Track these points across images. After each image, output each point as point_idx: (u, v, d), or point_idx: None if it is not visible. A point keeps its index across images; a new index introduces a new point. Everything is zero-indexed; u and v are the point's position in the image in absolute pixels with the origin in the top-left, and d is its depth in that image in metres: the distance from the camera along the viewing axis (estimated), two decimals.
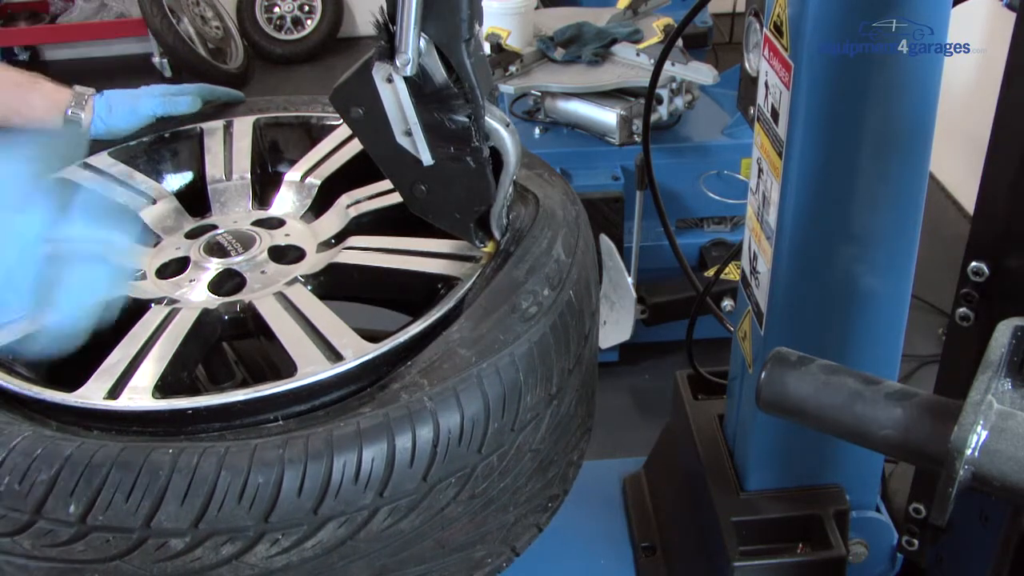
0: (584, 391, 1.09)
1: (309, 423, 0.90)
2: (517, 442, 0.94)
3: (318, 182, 1.33)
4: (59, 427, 0.91)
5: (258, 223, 1.26)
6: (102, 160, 1.33)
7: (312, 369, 0.95)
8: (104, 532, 0.81)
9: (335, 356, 0.97)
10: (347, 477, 0.83)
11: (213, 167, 1.36)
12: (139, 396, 0.94)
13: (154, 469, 0.81)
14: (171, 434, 0.91)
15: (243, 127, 1.41)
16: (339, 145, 1.37)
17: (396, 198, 1.15)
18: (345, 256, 1.14)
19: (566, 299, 1.02)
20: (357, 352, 0.97)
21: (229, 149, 1.38)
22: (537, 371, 0.96)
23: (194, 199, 1.34)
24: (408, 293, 1.14)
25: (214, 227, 1.25)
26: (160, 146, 1.39)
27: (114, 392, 0.94)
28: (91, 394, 0.94)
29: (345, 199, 1.27)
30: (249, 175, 1.35)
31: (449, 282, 1.08)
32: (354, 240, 1.18)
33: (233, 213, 1.33)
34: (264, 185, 1.36)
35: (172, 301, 1.10)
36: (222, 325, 1.09)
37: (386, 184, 1.19)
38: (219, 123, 1.41)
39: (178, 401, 0.93)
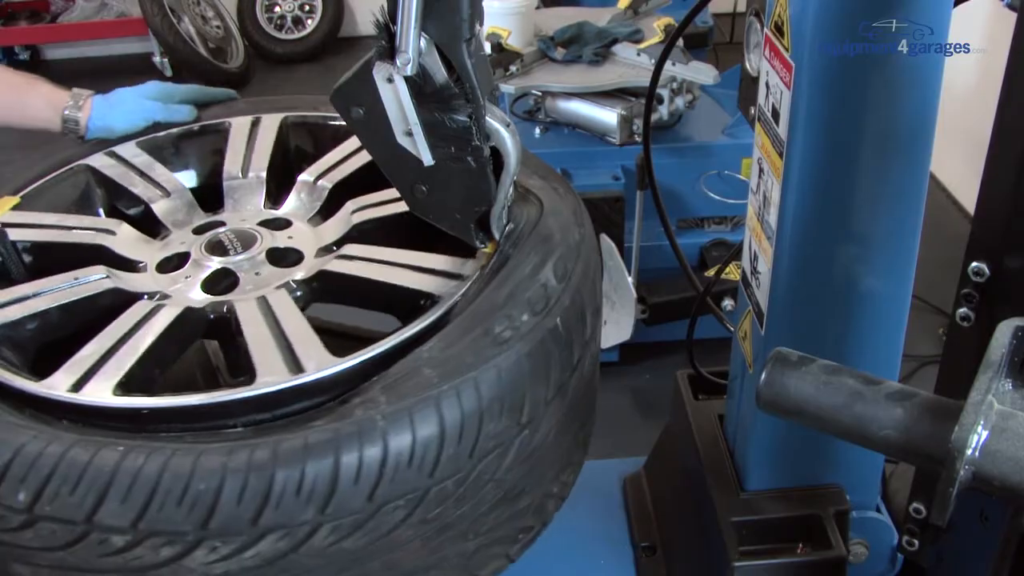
0: (568, 422, 1.04)
1: (265, 432, 0.88)
2: (477, 470, 0.91)
3: (329, 185, 1.30)
4: (31, 415, 0.90)
5: (264, 223, 1.24)
6: (128, 149, 1.33)
7: (269, 379, 0.93)
8: (50, 522, 0.81)
9: (296, 367, 0.95)
10: (288, 490, 0.82)
11: (231, 163, 1.34)
12: (100, 391, 0.93)
13: (100, 465, 0.81)
14: (132, 432, 0.89)
15: (270, 125, 1.39)
16: (357, 149, 1.33)
17: (399, 207, 1.13)
18: (335, 264, 1.13)
19: (550, 326, 0.98)
20: (319, 365, 0.94)
21: (251, 146, 1.36)
22: (504, 399, 0.92)
23: (211, 194, 1.33)
24: (392, 306, 1.12)
25: (222, 224, 1.24)
26: (187, 139, 1.38)
27: (79, 385, 0.93)
28: (57, 384, 0.93)
29: (351, 204, 1.24)
30: (265, 173, 1.33)
31: (432, 298, 1.06)
32: (349, 248, 1.16)
33: (244, 211, 1.31)
34: (280, 185, 1.34)
35: (163, 296, 1.09)
36: (206, 324, 1.07)
37: (393, 192, 1.16)
38: (247, 119, 1.40)
39: (135, 400, 0.92)
